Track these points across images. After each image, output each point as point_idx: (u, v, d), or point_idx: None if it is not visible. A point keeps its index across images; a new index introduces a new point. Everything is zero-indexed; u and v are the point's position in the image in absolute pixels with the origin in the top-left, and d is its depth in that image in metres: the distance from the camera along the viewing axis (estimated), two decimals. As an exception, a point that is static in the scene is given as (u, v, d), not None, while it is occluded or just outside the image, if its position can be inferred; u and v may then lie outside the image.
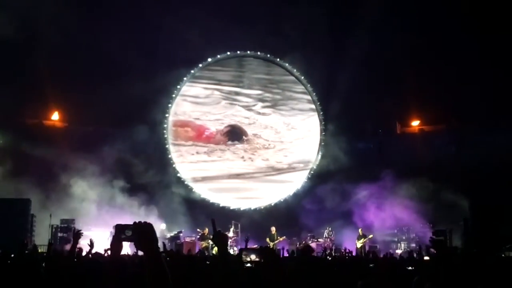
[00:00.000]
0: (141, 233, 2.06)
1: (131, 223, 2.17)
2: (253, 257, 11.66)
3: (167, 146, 19.76)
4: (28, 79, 16.74)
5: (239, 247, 15.84)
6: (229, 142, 20.09)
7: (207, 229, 15.89)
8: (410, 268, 7.55)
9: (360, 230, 16.80)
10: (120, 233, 2.21)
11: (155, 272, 2.00)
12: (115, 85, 17.48)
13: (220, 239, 2.76)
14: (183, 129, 20.05)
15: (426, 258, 11.02)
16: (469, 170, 16.95)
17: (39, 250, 11.29)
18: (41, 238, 15.26)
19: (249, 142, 20.22)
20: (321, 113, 20.56)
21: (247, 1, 18.15)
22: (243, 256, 10.22)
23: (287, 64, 20.66)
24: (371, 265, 7.69)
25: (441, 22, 17.50)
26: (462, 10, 17.07)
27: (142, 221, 2.10)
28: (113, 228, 2.60)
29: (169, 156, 19.73)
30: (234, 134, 20.18)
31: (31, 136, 17.48)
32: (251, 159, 20.07)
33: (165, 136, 19.81)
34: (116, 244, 2.80)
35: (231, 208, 19.46)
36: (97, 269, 3.64)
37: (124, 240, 2.21)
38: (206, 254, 14.16)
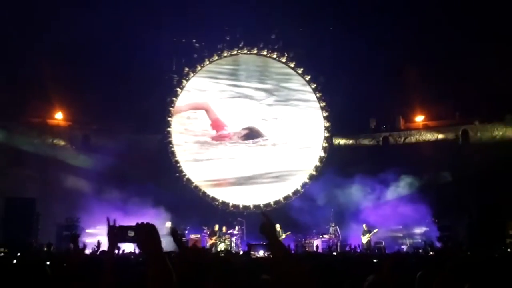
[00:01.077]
0: (144, 234, 2.00)
1: (134, 223, 2.12)
2: (261, 253, 11.66)
3: (172, 143, 19.74)
4: (32, 78, 16.76)
5: (243, 244, 15.83)
6: (243, 141, 20.06)
7: (217, 226, 16.03)
8: (415, 263, 7.50)
9: (364, 225, 16.75)
10: (122, 234, 2.17)
11: (159, 274, 1.93)
12: (118, 84, 17.54)
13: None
14: (198, 113, 20.00)
15: (431, 253, 10.98)
16: (474, 166, 16.86)
17: (44, 249, 11.33)
18: (46, 237, 15.28)
19: (259, 141, 20.15)
20: (324, 109, 20.45)
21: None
22: (251, 252, 10.22)
23: (289, 61, 20.54)
24: (374, 260, 7.66)
25: (443, 19, 17.39)
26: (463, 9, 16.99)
27: (145, 221, 2.05)
28: (112, 227, 2.58)
29: (175, 153, 19.71)
30: (251, 136, 20.11)
31: (35, 135, 17.57)
32: (257, 158, 19.96)
33: (170, 133, 19.80)
34: (111, 236, 2.74)
35: (237, 205, 19.43)
36: (100, 267, 3.62)
37: (127, 242, 2.17)
38: (213, 251, 14.19)
